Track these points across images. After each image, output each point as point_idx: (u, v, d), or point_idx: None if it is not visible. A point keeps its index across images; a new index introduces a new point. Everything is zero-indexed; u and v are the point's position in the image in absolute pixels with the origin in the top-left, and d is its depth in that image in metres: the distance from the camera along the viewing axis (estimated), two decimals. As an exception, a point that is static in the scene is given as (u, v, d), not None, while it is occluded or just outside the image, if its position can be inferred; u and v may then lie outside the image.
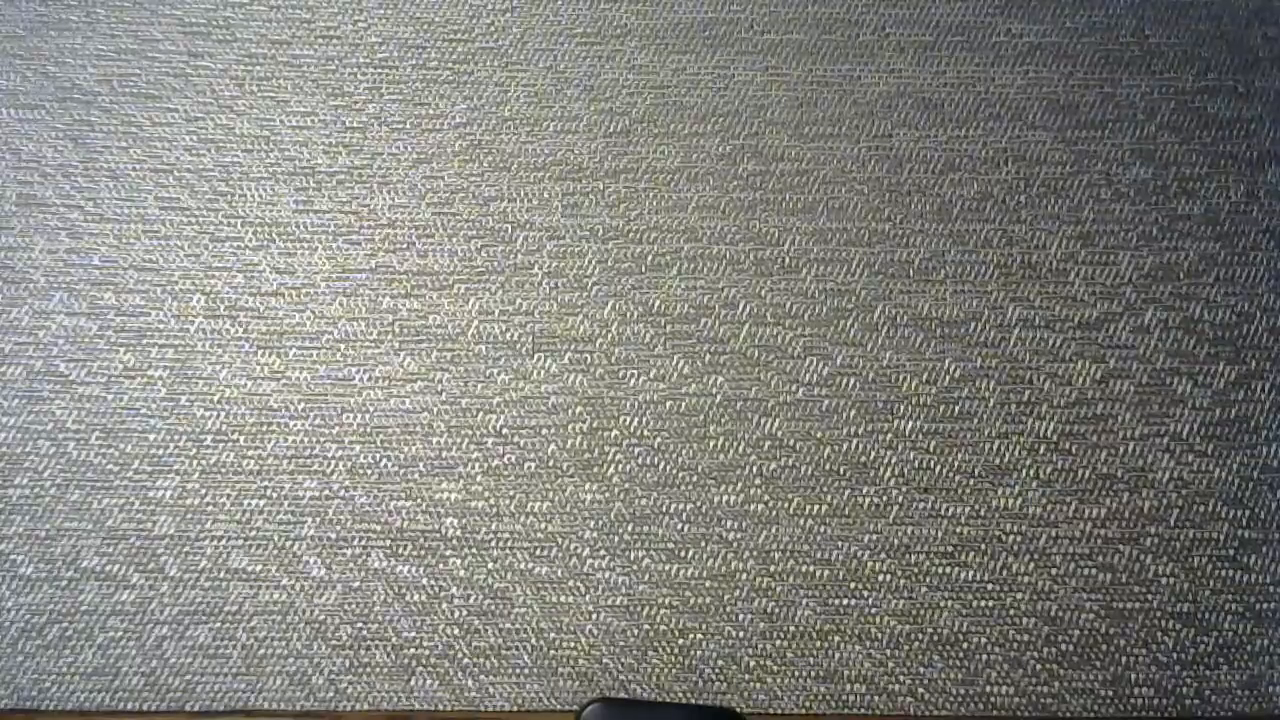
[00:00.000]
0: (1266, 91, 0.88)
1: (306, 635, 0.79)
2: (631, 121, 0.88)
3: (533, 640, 0.79)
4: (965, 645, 0.79)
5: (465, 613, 0.79)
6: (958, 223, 0.86)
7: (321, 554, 0.80)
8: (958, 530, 0.81)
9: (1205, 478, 0.82)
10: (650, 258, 0.85)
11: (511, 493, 0.81)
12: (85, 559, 0.80)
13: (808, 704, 0.78)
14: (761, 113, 0.88)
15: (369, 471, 0.81)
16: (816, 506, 0.81)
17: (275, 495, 0.81)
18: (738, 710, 0.76)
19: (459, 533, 0.80)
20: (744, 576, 0.80)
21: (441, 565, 0.80)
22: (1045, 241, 0.86)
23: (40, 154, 0.86)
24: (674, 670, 0.79)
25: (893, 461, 0.82)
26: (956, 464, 0.82)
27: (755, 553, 0.80)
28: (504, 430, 0.82)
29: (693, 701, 0.78)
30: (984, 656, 0.79)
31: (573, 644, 0.79)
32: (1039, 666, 0.79)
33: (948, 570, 0.80)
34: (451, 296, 0.84)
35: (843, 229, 0.86)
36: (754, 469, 0.82)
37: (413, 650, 0.79)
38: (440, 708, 0.78)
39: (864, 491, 0.81)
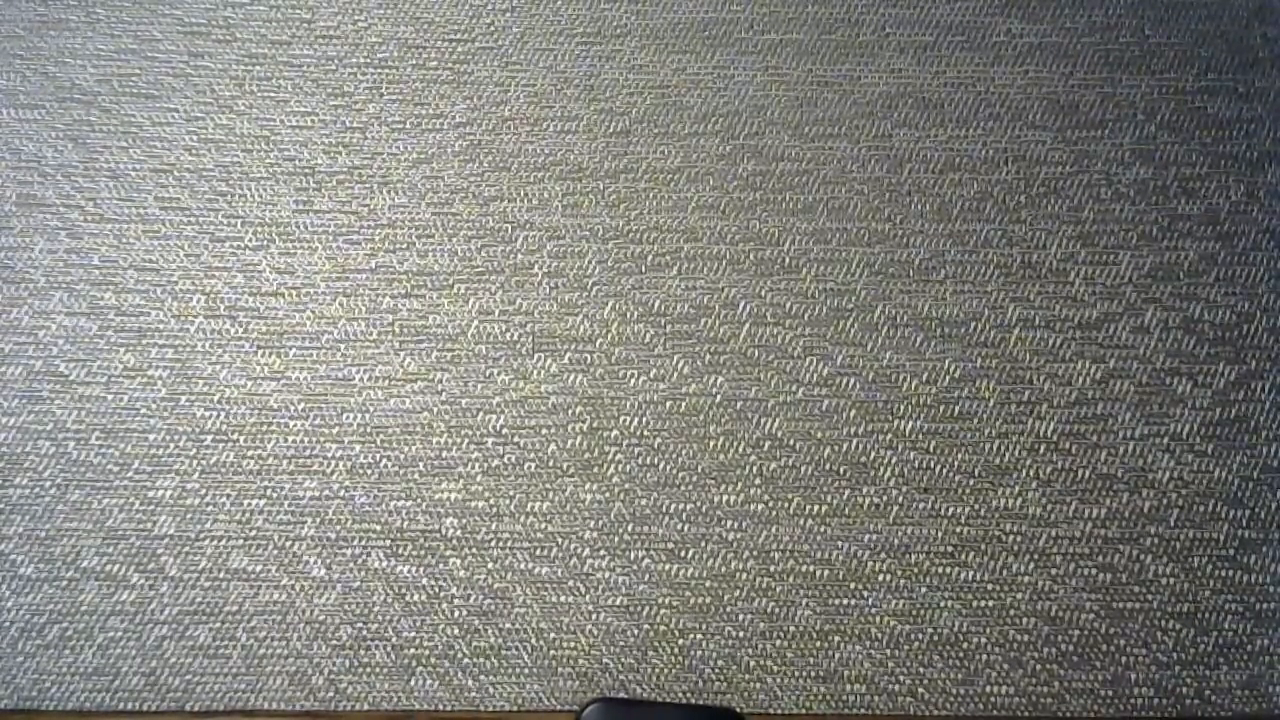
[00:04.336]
0: (1266, 91, 0.88)
1: (306, 635, 0.79)
2: (631, 121, 0.88)
3: (533, 640, 0.79)
4: (965, 645, 0.79)
5: (465, 613, 0.79)
6: (958, 223, 0.86)
7: (321, 554, 0.80)
8: (958, 530, 0.81)
9: (1205, 478, 0.82)
10: (650, 258, 0.85)
11: (511, 493, 0.81)
12: (85, 559, 0.80)
13: (808, 704, 0.78)
14: (761, 113, 0.88)
15: (369, 471, 0.81)
16: (816, 506, 0.81)
17: (275, 495, 0.81)
18: (738, 710, 0.76)
19: (459, 533, 0.80)
20: (744, 576, 0.80)
21: (441, 565, 0.80)
22: (1045, 241, 0.86)
23: (40, 154, 0.86)
24: (674, 670, 0.79)
25: (893, 461, 0.82)
26: (956, 464, 0.82)
27: (755, 553, 0.80)
28: (504, 430, 0.82)
29: (693, 701, 0.78)
30: (984, 656, 0.79)
31: (573, 644, 0.79)
32: (1039, 666, 0.79)
33: (948, 570, 0.80)
34: (451, 296, 0.84)
35: (843, 229, 0.86)
36: (754, 469, 0.82)
37: (413, 650, 0.79)
38: (440, 708, 0.78)
39: (864, 491, 0.81)
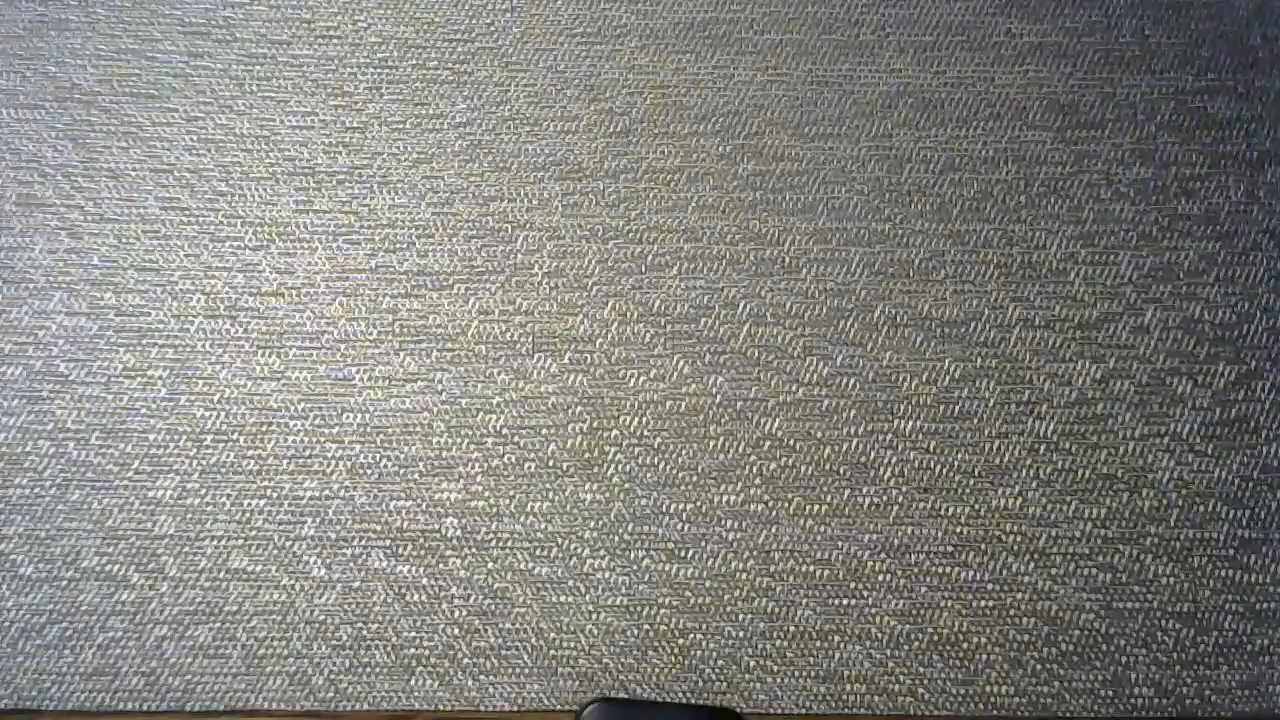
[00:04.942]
0: (1266, 91, 0.88)
1: (306, 635, 0.79)
2: (631, 121, 0.88)
3: (533, 640, 0.79)
4: (965, 645, 0.79)
5: (465, 613, 0.79)
6: (958, 223, 0.86)
7: (321, 554, 0.80)
8: (958, 530, 0.81)
9: (1205, 478, 0.82)
10: (650, 258, 0.85)
11: (511, 493, 0.81)
12: (85, 559, 0.80)
13: (808, 704, 0.78)
14: (761, 113, 0.88)
15: (369, 471, 0.81)
16: (816, 506, 0.81)
17: (275, 495, 0.81)
18: (738, 710, 0.76)
19: (459, 533, 0.80)
20: (744, 576, 0.80)
21: (441, 565, 0.80)
22: (1045, 241, 0.86)
23: (40, 154, 0.86)
24: (674, 670, 0.79)
25: (893, 461, 0.82)
26: (956, 464, 0.82)
27: (755, 553, 0.80)
28: (504, 430, 0.82)
29: (693, 701, 0.78)
30: (984, 656, 0.79)
31: (573, 644, 0.79)
32: (1039, 666, 0.79)
33: (948, 570, 0.80)
34: (451, 296, 0.84)
35: (843, 229, 0.86)
36: (754, 469, 0.82)
37: (413, 650, 0.79)
38: (440, 708, 0.78)
39: (864, 491, 0.81)
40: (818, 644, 0.79)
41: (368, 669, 0.78)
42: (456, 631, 0.79)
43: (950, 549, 0.81)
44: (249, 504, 0.81)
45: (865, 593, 0.80)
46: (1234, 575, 0.80)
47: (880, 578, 0.80)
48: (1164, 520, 0.81)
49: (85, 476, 0.81)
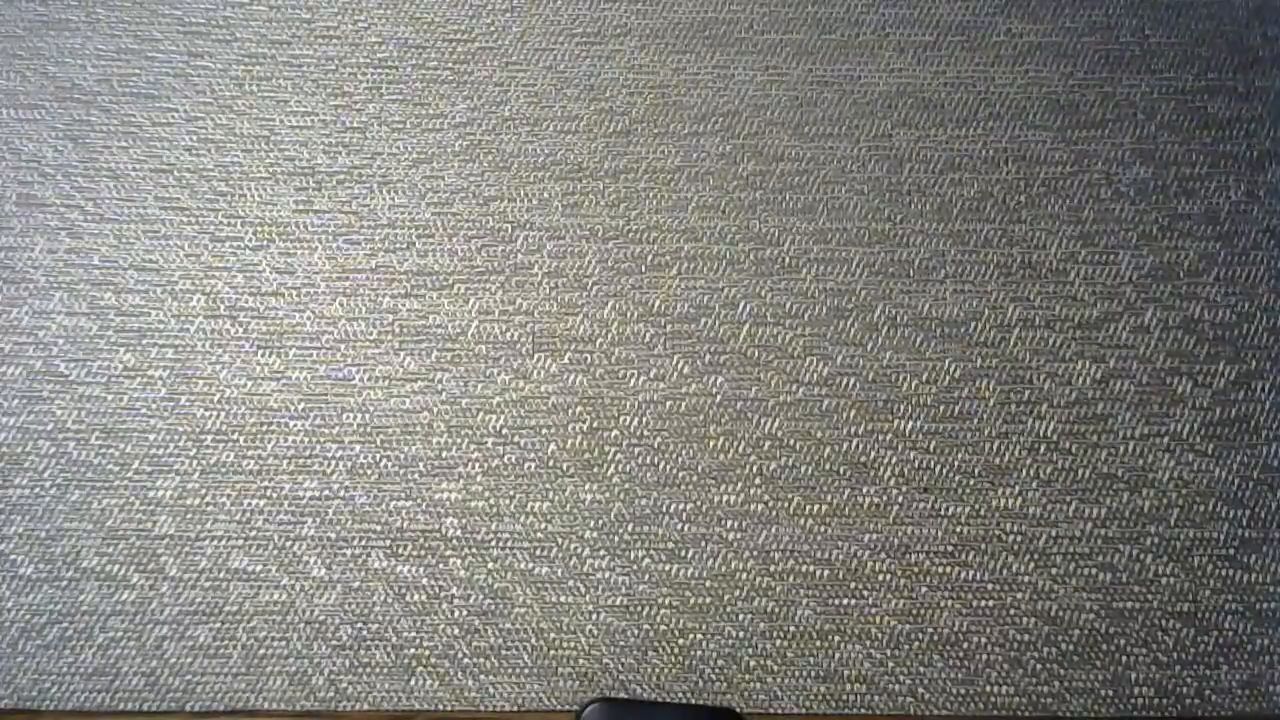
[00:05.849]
0: (1266, 91, 0.88)
1: (306, 635, 0.79)
2: (631, 121, 0.88)
3: (533, 640, 0.79)
4: (965, 645, 0.79)
5: (465, 613, 0.79)
6: (958, 223, 0.86)
7: (321, 554, 0.80)
8: (958, 530, 0.81)
9: (1205, 478, 0.82)
10: (650, 258, 0.85)
11: (511, 493, 0.81)
12: (85, 559, 0.80)
13: (808, 704, 0.78)
14: (761, 113, 0.88)
15: (369, 471, 0.81)
16: (816, 506, 0.81)
17: (275, 495, 0.81)
18: (738, 710, 0.76)
19: (459, 533, 0.80)
20: (744, 576, 0.80)
21: (441, 565, 0.80)
22: (1045, 241, 0.86)
23: (40, 154, 0.86)
24: (674, 670, 0.79)
25: (893, 461, 0.82)
26: (956, 464, 0.82)
27: (755, 553, 0.80)
28: (504, 430, 0.82)
29: (693, 701, 0.78)
30: (984, 656, 0.79)
31: (573, 644, 0.79)
32: (1039, 666, 0.79)
33: (948, 570, 0.80)
34: (451, 296, 0.84)
35: (843, 229, 0.86)
36: (754, 469, 0.82)
37: (413, 650, 0.79)
38: (441, 708, 0.78)
39: (864, 491, 0.81)
40: (818, 644, 0.79)
41: (368, 669, 0.78)
42: (456, 631, 0.79)
43: (950, 549, 0.81)
44: (249, 504, 0.81)
45: (865, 593, 0.80)
46: (1234, 575, 0.80)
47: (880, 578, 0.80)
48: (1164, 520, 0.81)
49: (85, 476, 0.81)
